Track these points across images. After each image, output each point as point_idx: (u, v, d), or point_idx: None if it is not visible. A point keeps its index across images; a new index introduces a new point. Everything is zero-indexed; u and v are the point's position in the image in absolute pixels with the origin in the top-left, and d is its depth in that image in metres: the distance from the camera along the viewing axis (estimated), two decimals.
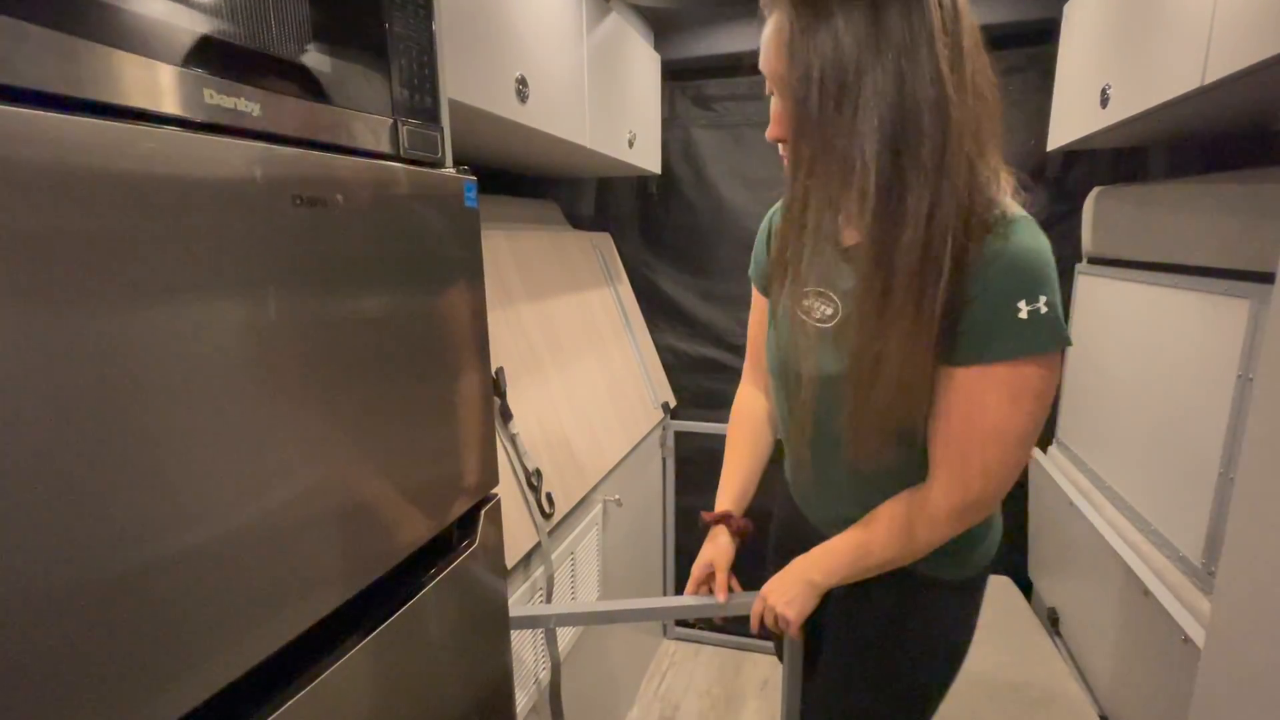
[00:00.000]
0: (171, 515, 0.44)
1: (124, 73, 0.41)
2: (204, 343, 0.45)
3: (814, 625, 0.88)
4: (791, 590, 0.82)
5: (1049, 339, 0.64)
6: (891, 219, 0.63)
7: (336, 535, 0.59)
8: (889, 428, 0.70)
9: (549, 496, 1.23)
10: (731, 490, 0.97)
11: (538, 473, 1.22)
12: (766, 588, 0.85)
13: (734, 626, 2.05)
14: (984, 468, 0.69)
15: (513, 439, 1.20)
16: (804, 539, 0.87)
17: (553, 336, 1.50)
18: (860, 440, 0.72)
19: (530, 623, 0.97)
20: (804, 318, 0.77)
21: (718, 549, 0.93)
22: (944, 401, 0.69)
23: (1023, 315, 0.63)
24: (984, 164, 0.64)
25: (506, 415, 1.20)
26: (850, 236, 0.73)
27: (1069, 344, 0.65)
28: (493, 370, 1.16)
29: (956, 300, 0.64)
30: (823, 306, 0.77)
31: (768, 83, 0.71)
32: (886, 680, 0.87)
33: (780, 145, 0.72)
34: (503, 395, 1.21)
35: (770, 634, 0.88)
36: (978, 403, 0.67)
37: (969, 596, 0.85)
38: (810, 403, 0.77)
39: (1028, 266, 0.63)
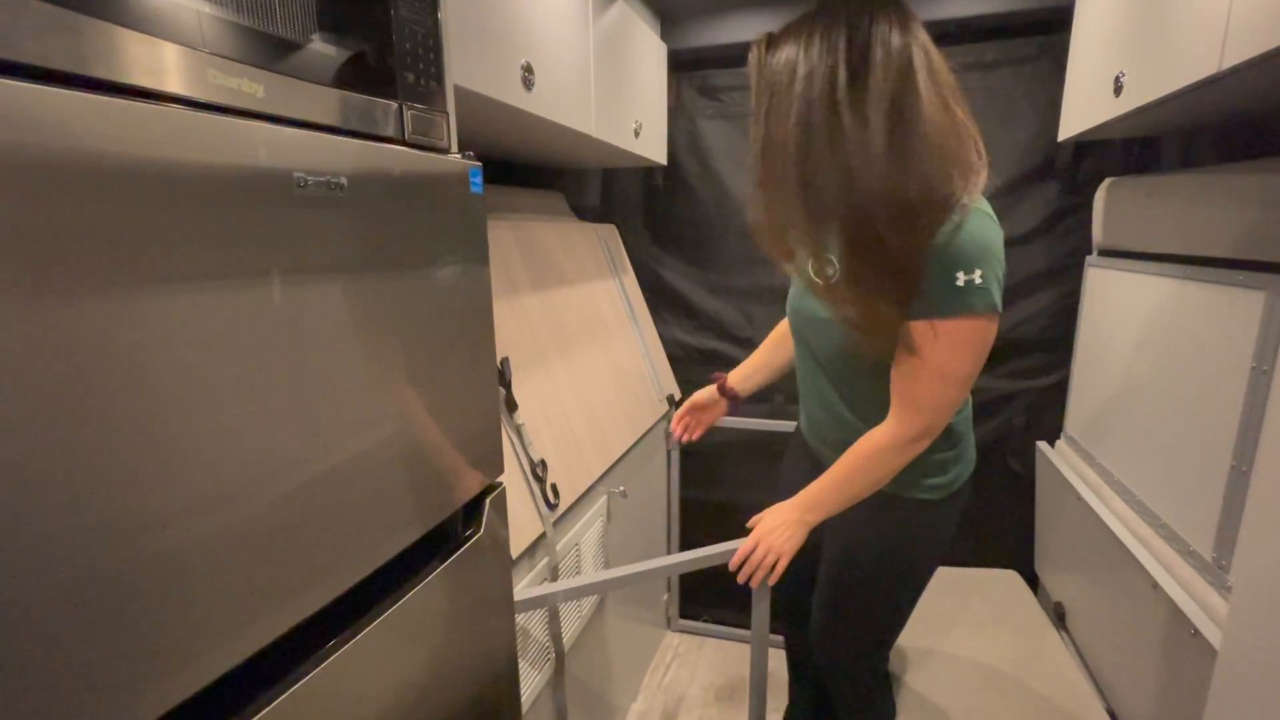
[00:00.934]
0: (173, 503, 0.43)
1: (125, 50, 0.40)
2: (204, 328, 0.45)
3: (810, 559, 1.12)
4: (784, 529, 0.98)
5: (978, 303, 0.82)
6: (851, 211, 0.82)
7: (340, 523, 0.58)
8: (870, 355, 0.92)
9: (554, 487, 1.23)
10: (741, 370, 1.29)
11: (543, 463, 1.22)
12: (759, 529, 1.00)
13: (739, 619, 2.05)
14: (931, 402, 0.89)
15: (518, 429, 1.20)
16: (803, 463, 1.16)
17: (557, 328, 1.49)
18: (867, 346, 0.92)
19: (535, 603, 0.97)
20: (814, 278, 0.96)
21: (701, 391, 1.30)
22: (901, 350, 0.88)
23: (960, 283, 0.82)
24: (940, 172, 0.80)
25: (512, 405, 1.20)
26: None
27: (997, 310, 0.84)
28: (498, 360, 1.16)
29: (916, 271, 0.82)
30: (827, 269, 0.96)
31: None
32: (877, 580, 1.06)
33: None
34: (508, 385, 1.20)
35: (746, 587, 1.03)
36: (926, 349, 0.86)
37: (943, 512, 1.03)
38: (813, 341, 1.02)
39: (968, 248, 0.81)
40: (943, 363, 0.86)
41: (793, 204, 0.86)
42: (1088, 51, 1.41)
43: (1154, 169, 1.57)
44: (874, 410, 0.96)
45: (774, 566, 0.98)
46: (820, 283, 0.94)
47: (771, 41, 0.87)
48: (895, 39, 0.78)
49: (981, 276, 0.81)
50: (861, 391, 1.00)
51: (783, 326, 1.26)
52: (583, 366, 1.54)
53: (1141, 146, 1.60)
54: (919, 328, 0.85)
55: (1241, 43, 0.83)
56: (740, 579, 1.00)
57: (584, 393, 1.50)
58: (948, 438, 0.99)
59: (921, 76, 0.79)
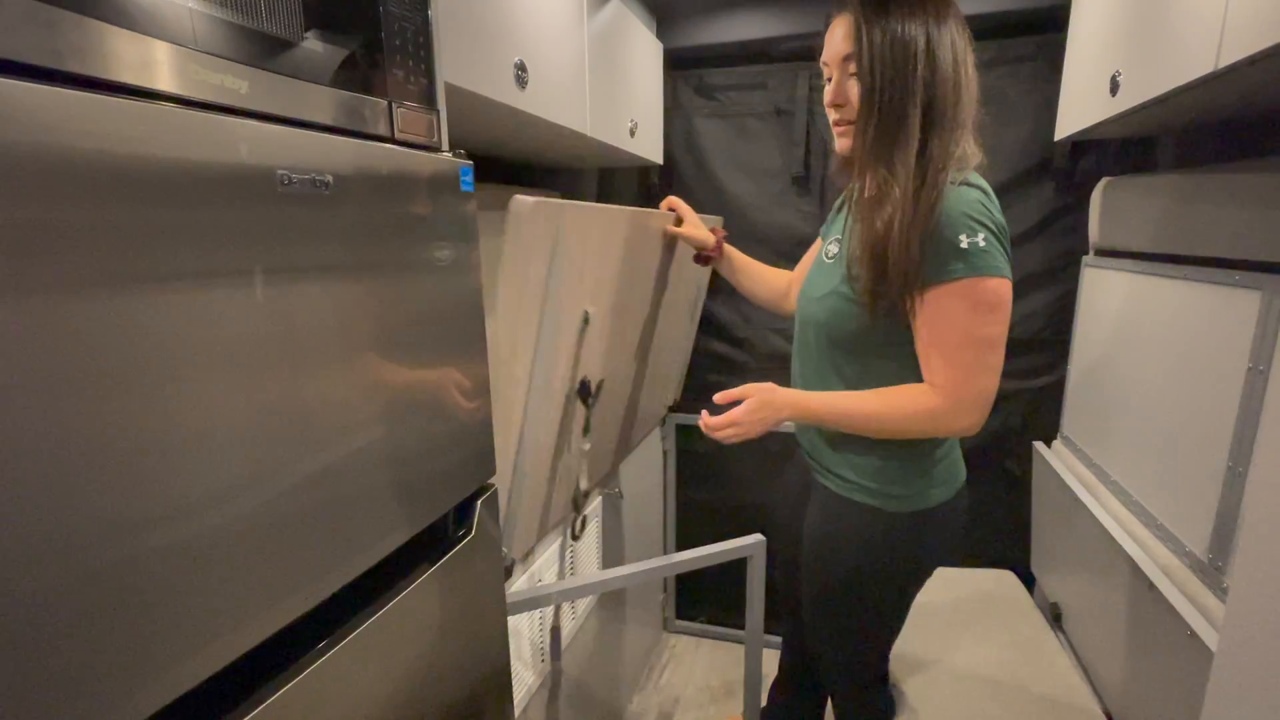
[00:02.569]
0: (159, 504, 0.43)
1: (103, 45, 0.40)
2: (186, 327, 0.44)
3: (793, 569, 1.14)
4: (761, 415, 0.97)
5: (984, 265, 0.84)
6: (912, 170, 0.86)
7: (331, 524, 0.58)
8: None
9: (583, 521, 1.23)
10: (740, 260, 1.36)
11: (585, 493, 1.22)
12: (743, 408, 0.97)
13: (735, 620, 2.05)
14: (965, 370, 0.88)
15: (583, 454, 1.20)
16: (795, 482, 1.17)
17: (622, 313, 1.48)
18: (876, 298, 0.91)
19: (529, 605, 0.96)
20: (823, 258, 1.04)
21: (700, 225, 1.35)
22: (921, 320, 0.89)
23: (964, 245, 0.84)
24: (964, 137, 0.89)
25: (587, 429, 1.19)
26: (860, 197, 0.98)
27: (1004, 275, 0.86)
28: (577, 380, 1.15)
29: (922, 234, 0.85)
30: (833, 248, 1.03)
31: (832, 68, 0.95)
32: (858, 594, 1.04)
33: (834, 113, 0.96)
34: (589, 402, 1.17)
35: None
36: (944, 313, 0.87)
37: (928, 526, 1.00)
38: (808, 315, 1.03)
39: (968, 212, 0.85)
40: (967, 325, 0.86)
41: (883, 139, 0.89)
42: (1084, 50, 1.41)
43: (1150, 168, 1.56)
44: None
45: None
46: (827, 262, 1.02)
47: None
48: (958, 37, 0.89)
49: (984, 239, 0.84)
50: (852, 375, 1.00)
51: (783, 278, 1.32)
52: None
53: (1138, 146, 1.60)
54: (934, 295, 0.86)
55: (1239, 40, 0.83)
56: (704, 430, 1.01)
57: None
58: (887, 445, 0.98)
59: (967, 70, 0.89)
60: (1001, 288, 0.86)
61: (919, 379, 0.93)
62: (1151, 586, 1.09)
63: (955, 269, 0.85)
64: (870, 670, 1.17)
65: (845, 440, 1.01)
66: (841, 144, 0.97)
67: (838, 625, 1.09)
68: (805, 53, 1.81)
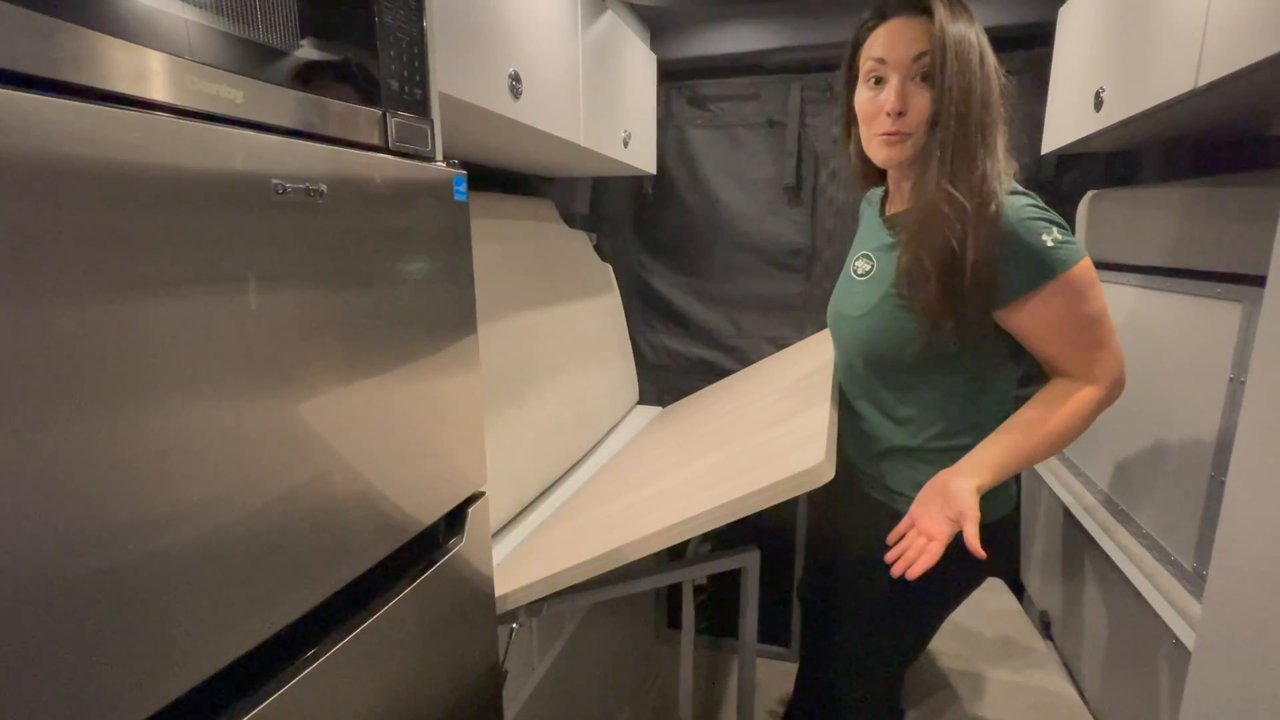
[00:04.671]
0: (154, 511, 0.43)
1: (100, 55, 0.40)
2: (179, 334, 0.44)
3: (826, 596, 1.09)
4: (937, 502, 0.85)
5: (1069, 254, 0.83)
6: (961, 182, 0.83)
7: (320, 531, 0.58)
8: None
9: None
10: None
11: None
12: (915, 510, 0.87)
13: (727, 630, 2.04)
14: (1099, 350, 0.87)
15: None
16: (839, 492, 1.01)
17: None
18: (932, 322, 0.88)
19: (519, 613, 0.96)
20: (854, 275, 1.01)
21: None
22: (1029, 329, 0.87)
23: (1050, 245, 0.82)
24: (1007, 146, 0.86)
25: None
26: (893, 206, 0.99)
27: (1084, 254, 0.84)
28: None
29: (999, 250, 0.82)
30: (864, 264, 1.00)
31: (891, 71, 0.87)
32: (902, 607, 0.99)
33: (889, 122, 0.88)
34: None
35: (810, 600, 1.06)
36: (1055, 312, 0.84)
37: (990, 541, 0.86)
38: (848, 336, 1.00)
39: (1034, 216, 0.83)
40: (1084, 313, 0.84)
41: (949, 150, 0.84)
42: (1069, 67, 1.43)
43: (1135, 182, 1.59)
44: (916, 410, 0.94)
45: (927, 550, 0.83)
46: (859, 279, 0.99)
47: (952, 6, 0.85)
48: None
49: (1060, 232, 0.83)
50: (899, 392, 0.96)
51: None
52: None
53: (1123, 159, 1.62)
54: (1041, 299, 0.83)
55: (1217, 60, 0.85)
56: (894, 572, 0.84)
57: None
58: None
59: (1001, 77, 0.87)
60: (1088, 265, 0.84)
61: (957, 396, 0.92)
62: (1137, 595, 1.10)
63: (1052, 268, 0.82)
64: (893, 696, 1.13)
65: (903, 454, 0.97)
66: (887, 154, 0.90)
67: (877, 647, 1.04)
68: (797, 65, 1.84)
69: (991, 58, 0.84)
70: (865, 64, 0.89)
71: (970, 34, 0.83)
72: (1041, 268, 0.82)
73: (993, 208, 0.81)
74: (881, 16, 0.88)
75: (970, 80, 0.82)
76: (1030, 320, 0.86)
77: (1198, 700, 0.67)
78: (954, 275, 0.83)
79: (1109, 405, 0.90)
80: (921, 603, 0.99)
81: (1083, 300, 0.84)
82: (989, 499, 0.90)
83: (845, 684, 1.11)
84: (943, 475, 0.88)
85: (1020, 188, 0.87)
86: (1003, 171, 0.84)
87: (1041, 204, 0.86)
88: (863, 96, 0.91)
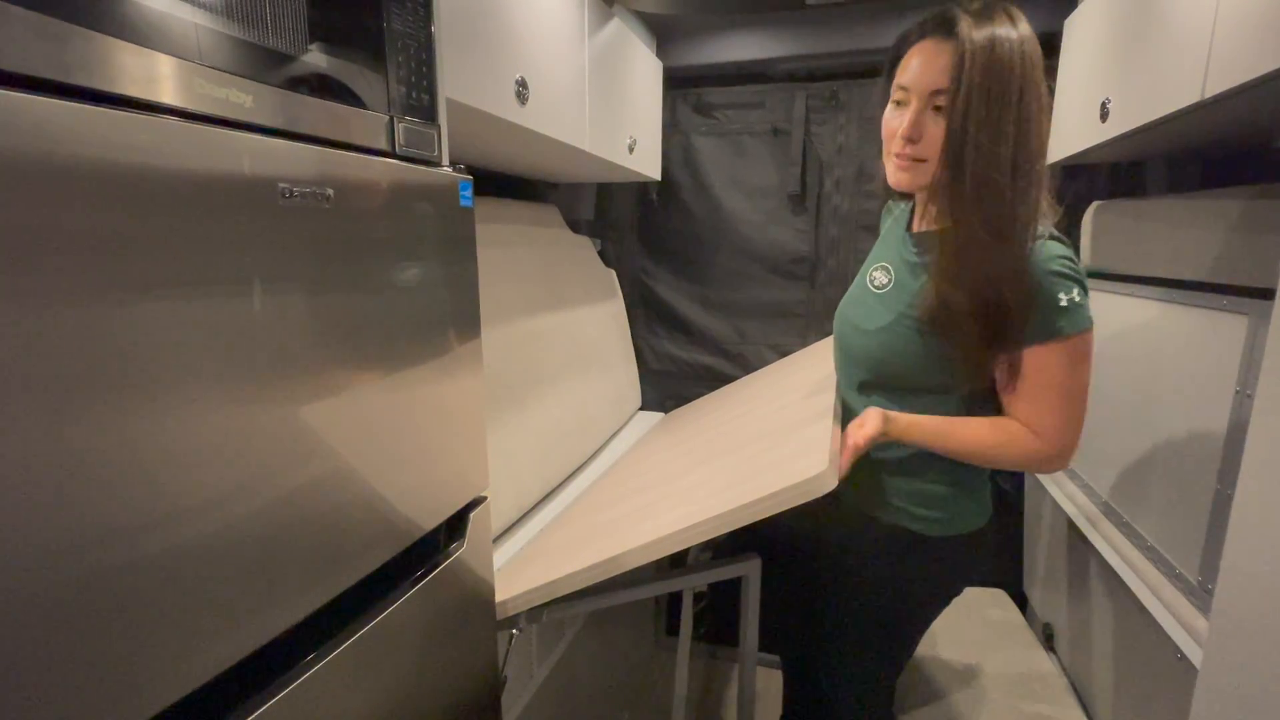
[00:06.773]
0: (157, 513, 0.43)
1: (110, 59, 0.40)
2: (185, 338, 0.44)
3: (812, 583, 1.11)
4: (864, 419, 0.91)
5: (1080, 320, 0.83)
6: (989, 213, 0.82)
7: (322, 536, 0.58)
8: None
9: None
10: None
11: None
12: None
13: (727, 637, 2.03)
14: (1062, 422, 0.87)
15: None
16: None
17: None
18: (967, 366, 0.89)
19: (519, 619, 0.95)
20: (870, 285, 1.00)
21: None
22: (1020, 374, 0.87)
23: (1064, 304, 0.82)
24: (1042, 191, 0.85)
25: None
26: (920, 224, 0.98)
27: (1092, 325, 0.84)
28: None
29: (1009, 289, 0.82)
30: (882, 276, 1.00)
31: (912, 96, 0.87)
32: (880, 616, 1.02)
33: (905, 145, 0.88)
34: None
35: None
36: (1047, 368, 0.85)
37: (944, 553, 0.99)
38: (857, 347, 1.00)
39: (1061, 270, 0.83)
40: (1066, 382, 0.85)
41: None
42: (1075, 78, 1.43)
43: (1141, 193, 1.59)
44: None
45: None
46: (875, 291, 0.99)
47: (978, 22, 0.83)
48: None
49: (1079, 294, 0.83)
50: (896, 406, 0.96)
51: None
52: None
53: (1128, 171, 1.62)
54: (1036, 353, 0.85)
55: (1224, 72, 0.85)
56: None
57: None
58: (947, 472, 0.96)
59: (1048, 122, 0.86)
60: (1091, 337, 0.85)
61: (950, 415, 0.93)
62: (1141, 608, 1.10)
63: (1059, 328, 0.83)
64: (884, 705, 1.14)
65: (895, 465, 0.98)
66: (898, 178, 0.91)
67: (860, 655, 1.06)
68: (803, 73, 1.84)
69: (1037, 88, 0.82)
70: (895, 83, 0.90)
71: (1009, 62, 0.80)
72: (1046, 325, 0.83)
73: (1023, 251, 0.82)
74: (920, 34, 0.88)
75: (999, 115, 0.80)
76: (1024, 367, 0.87)
77: (1205, 717, 0.66)
78: (993, 315, 0.83)
79: (1042, 471, 0.93)
80: (902, 615, 1.03)
81: (1074, 370, 0.85)
82: (962, 511, 0.99)
83: (837, 695, 1.12)
84: (877, 413, 0.92)
85: (1056, 233, 0.87)
86: (1035, 214, 0.83)
87: (1073, 256, 0.85)
88: (887, 114, 0.92)
